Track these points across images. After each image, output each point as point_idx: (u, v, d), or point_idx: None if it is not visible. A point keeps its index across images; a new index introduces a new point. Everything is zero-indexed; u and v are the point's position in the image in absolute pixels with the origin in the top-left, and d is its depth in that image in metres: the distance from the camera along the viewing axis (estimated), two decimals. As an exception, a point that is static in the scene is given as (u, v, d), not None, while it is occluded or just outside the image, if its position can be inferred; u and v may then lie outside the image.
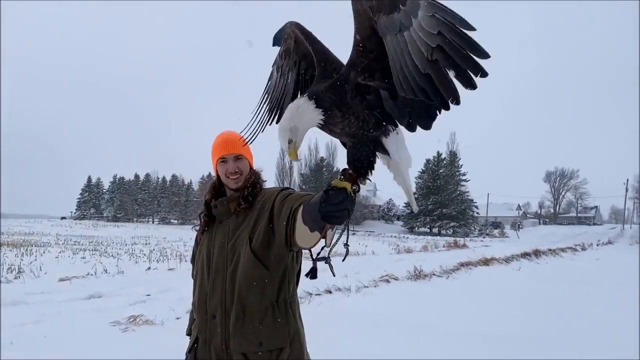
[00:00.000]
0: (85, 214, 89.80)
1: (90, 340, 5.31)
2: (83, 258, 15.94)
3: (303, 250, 1.83)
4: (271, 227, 2.02)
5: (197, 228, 2.31)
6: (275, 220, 2.00)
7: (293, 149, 1.54)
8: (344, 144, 1.63)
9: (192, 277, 2.35)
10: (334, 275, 1.81)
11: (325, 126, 1.54)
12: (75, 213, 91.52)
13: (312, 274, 1.88)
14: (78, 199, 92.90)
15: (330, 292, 8.66)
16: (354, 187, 1.46)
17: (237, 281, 2.00)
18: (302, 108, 1.50)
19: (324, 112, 1.48)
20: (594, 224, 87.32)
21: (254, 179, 2.21)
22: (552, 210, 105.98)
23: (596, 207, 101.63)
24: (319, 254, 1.76)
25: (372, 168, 1.53)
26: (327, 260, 1.72)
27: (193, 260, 2.44)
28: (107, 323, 6.01)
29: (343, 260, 1.76)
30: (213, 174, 2.30)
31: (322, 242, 1.72)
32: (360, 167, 1.51)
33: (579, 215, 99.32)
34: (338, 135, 1.57)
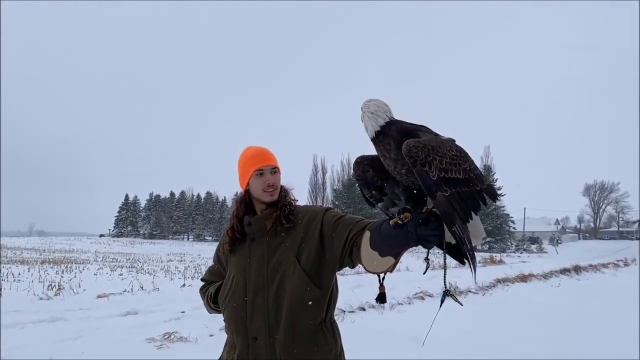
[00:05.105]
0: (122, 231, 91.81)
1: (126, 357, 5.38)
2: (120, 275, 16.30)
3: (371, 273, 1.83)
4: (322, 248, 2.00)
5: (224, 245, 2.18)
6: (327, 241, 1.98)
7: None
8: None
9: (206, 295, 2.32)
10: (462, 305, 1.83)
11: (382, 144, 1.69)
12: (113, 230, 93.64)
13: (381, 298, 1.93)
14: (116, 216, 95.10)
15: (363, 309, 8.58)
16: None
17: (286, 302, 1.93)
18: (385, 110, 1.72)
19: (383, 134, 1.69)
20: (637, 238, 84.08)
21: (288, 197, 2.15)
22: (592, 225, 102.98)
23: (639, 221, 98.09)
24: (384, 278, 1.89)
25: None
26: (448, 293, 1.75)
27: (210, 277, 2.43)
28: (142, 339, 6.08)
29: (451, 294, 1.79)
30: (242, 188, 2.19)
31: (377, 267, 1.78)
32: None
33: (620, 229, 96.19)
34: (393, 163, 1.70)
